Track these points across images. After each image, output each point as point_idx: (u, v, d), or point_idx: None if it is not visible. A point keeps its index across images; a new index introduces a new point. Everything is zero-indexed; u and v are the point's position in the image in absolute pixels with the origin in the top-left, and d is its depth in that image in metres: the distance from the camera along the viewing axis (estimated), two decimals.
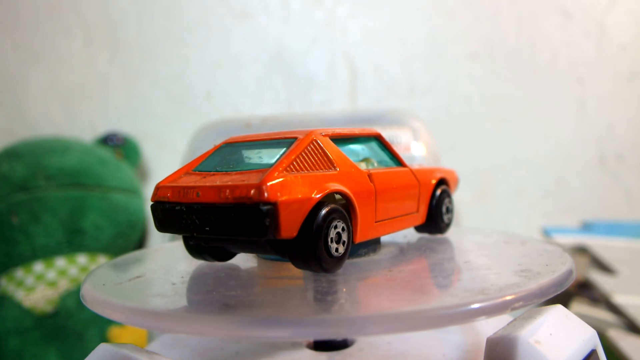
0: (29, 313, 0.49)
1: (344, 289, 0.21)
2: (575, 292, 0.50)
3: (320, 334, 0.18)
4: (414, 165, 0.30)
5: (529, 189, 0.70)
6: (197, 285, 0.23)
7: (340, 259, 0.22)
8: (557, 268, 0.22)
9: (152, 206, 0.23)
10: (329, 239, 0.21)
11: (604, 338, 0.40)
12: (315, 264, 0.21)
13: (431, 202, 0.29)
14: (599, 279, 0.50)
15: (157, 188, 0.23)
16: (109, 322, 0.49)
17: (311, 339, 0.26)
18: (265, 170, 0.21)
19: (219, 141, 0.27)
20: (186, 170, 0.25)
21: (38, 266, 0.51)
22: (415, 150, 0.47)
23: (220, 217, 0.20)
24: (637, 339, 0.40)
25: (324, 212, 0.21)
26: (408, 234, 0.31)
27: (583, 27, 0.69)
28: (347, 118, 0.53)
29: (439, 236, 0.31)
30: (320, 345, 0.26)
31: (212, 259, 0.25)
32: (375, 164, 0.27)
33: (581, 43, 0.69)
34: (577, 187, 0.70)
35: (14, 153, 0.55)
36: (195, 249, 0.25)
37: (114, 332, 0.50)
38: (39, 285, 0.51)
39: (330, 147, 0.24)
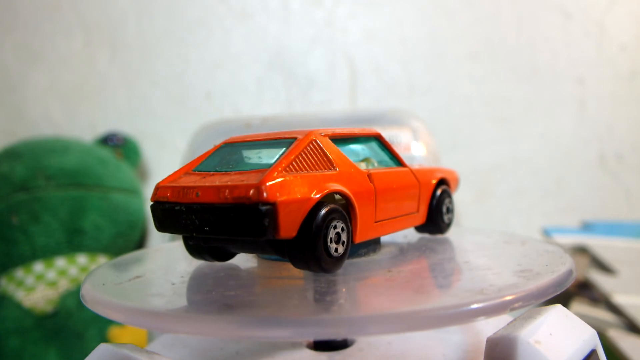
0: (29, 313, 0.49)
1: (344, 289, 0.21)
2: (575, 292, 0.50)
3: (320, 334, 0.18)
4: (414, 165, 0.30)
5: (529, 189, 0.70)
6: (197, 285, 0.23)
7: (340, 259, 0.22)
8: (557, 268, 0.22)
9: (151, 206, 0.23)
10: (329, 239, 0.21)
11: (604, 338, 0.40)
12: (315, 264, 0.21)
13: (431, 202, 0.29)
14: (599, 279, 0.50)
15: (157, 188, 0.23)
16: (109, 322, 0.49)
17: (311, 339, 0.26)
18: (265, 170, 0.21)
19: (219, 141, 0.27)
20: (186, 170, 0.25)
21: (38, 266, 0.51)
22: (415, 150, 0.47)
23: (220, 217, 0.20)
24: (637, 339, 0.40)
25: (323, 212, 0.21)
26: (408, 234, 0.31)
27: (583, 27, 0.69)
28: (347, 118, 0.53)
29: (439, 236, 0.31)
30: (320, 345, 0.26)
31: (212, 259, 0.25)
32: (376, 164, 0.27)
33: (581, 43, 0.69)
34: (577, 187, 0.70)
35: (14, 153, 0.55)
36: (195, 249, 0.25)
37: (114, 332, 0.50)
38: (39, 285, 0.51)
39: (330, 147, 0.24)
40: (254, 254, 0.27)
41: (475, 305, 0.18)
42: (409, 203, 0.28)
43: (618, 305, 0.45)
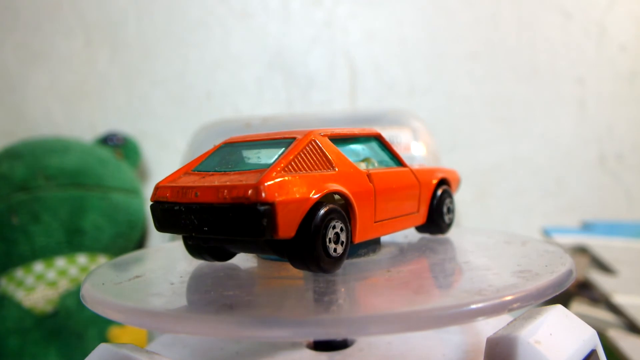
0: (29, 313, 0.49)
1: (343, 289, 0.21)
2: (575, 292, 0.50)
3: (320, 334, 0.18)
4: (415, 165, 0.30)
5: (529, 189, 0.70)
6: (196, 285, 0.23)
7: (339, 260, 0.22)
8: (557, 269, 0.22)
9: (151, 206, 0.23)
10: (327, 239, 0.21)
11: (604, 338, 0.40)
12: (314, 264, 0.21)
13: (432, 202, 0.29)
14: (599, 279, 0.50)
15: (157, 188, 0.23)
16: (109, 322, 0.49)
17: (311, 339, 0.26)
18: (263, 170, 0.21)
19: (218, 141, 0.27)
20: (185, 170, 0.25)
21: (38, 266, 0.51)
22: (415, 150, 0.47)
23: (218, 217, 0.20)
24: (637, 339, 0.40)
25: (322, 212, 0.21)
26: (409, 234, 0.31)
27: (583, 27, 0.69)
28: (347, 118, 0.53)
29: (439, 236, 0.31)
30: (320, 345, 0.26)
31: (211, 258, 0.25)
32: (376, 164, 0.27)
33: (581, 43, 0.69)
34: (577, 187, 0.70)
35: (14, 153, 0.55)
36: (194, 249, 0.25)
37: (114, 332, 0.50)
38: (39, 285, 0.51)
39: (329, 147, 0.24)
40: (253, 254, 0.27)
41: (473, 306, 0.18)
42: (409, 203, 0.28)
43: (618, 305, 0.45)
